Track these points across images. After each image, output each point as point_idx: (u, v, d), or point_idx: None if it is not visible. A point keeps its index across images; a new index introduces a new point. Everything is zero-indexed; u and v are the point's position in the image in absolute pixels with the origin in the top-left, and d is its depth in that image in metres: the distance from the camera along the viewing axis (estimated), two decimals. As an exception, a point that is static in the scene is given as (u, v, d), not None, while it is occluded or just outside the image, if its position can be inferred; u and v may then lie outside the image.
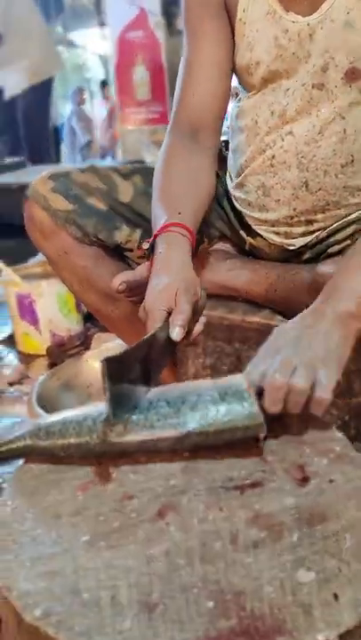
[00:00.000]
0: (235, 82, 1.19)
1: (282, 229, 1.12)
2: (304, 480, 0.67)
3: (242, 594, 0.53)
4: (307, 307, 1.05)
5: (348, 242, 1.05)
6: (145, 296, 0.86)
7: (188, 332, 0.84)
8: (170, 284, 0.84)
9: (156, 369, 0.83)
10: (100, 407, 0.72)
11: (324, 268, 1.00)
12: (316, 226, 1.09)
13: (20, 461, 0.75)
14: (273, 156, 1.07)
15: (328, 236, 1.09)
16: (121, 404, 0.71)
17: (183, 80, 1.11)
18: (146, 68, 5.36)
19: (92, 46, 9.76)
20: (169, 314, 0.82)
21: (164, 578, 0.56)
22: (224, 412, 0.70)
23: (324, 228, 1.08)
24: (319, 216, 1.07)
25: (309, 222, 1.09)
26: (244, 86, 1.10)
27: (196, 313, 0.86)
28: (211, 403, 0.70)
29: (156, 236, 0.93)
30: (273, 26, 1.00)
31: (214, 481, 0.67)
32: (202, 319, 0.89)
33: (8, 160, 3.79)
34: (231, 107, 1.19)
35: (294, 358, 0.74)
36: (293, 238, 1.11)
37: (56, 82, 5.85)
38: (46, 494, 0.68)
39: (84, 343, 1.91)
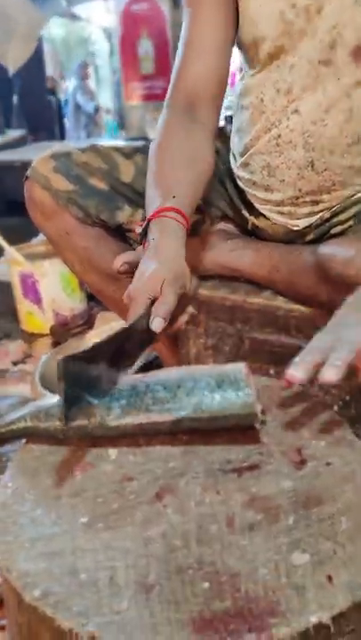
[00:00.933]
0: (239, 58, 1.18)
1: (286, 209, 1.11)
2: (301, 463, 0.67)
3: (237, 575, 0.54)
4: (308, 288, 1.05)
5: (351, 222, 1.05)
6: (133, 282, 0.84)
7: (172, 322, 0.83)
8: (157, 272, 0.82)
9: (132, 357, 0.81)
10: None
11: (327, 249, 0.99)
12: (321, 206, 1.08)
13: (22, 442, 0.75)
14: (279, 136, 1.05)
15: (331, 217, 1.08)
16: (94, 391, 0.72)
17: (182, 55, 1.08)
18: (150, 42, 5.28)
19: (97, 19, 9.61)
20: (153, 302, 0.81)
21: (160, 559, 0.56)
22: (219, 400, 0.70)
23: (329, 209, 1.08)
24: (325, 196, 1.07)
25: (315, 203, 1.08)
26: (249, 63, 1.09)
27: (182, 304, 0.85)
28: (207, 389, 0.71)
29: (149, 220, 0.91)
30: (279, 1, 0.98)
31: (212, 463, 0.68)
32: (189, 309, 0.90)
33: (10, 135, 3.75)
34: (236, 84, 1.18)
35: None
36: (298, 219, 1.11)
37: (61, 56, 5.80)
38: (47, 476, 0.68)
39: (88, 322, 1.92)
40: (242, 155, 1.15)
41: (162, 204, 0.92)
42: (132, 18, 6.57)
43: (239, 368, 0.74)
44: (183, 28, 1.09)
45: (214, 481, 0.65)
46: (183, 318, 0.88)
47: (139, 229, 0.93)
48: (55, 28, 10.45)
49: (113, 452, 0.71)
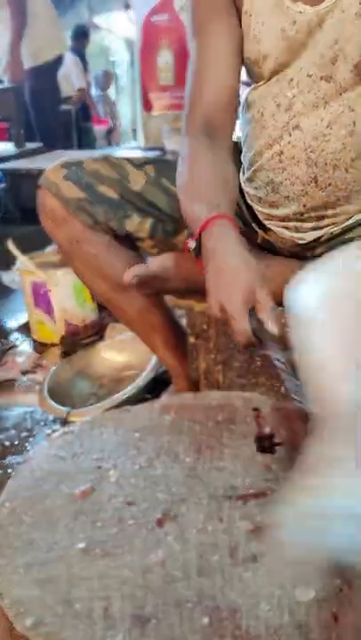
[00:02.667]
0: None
1: (291, 224, 1.09)
2: (309, 491, 0.65)
3: (238, 611, 0.52)
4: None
5: (363, 239, 1.02)
6: (214, 294, 0.82)
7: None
8: (243, 279, 0.80)
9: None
10: None
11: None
12: (327, 221, 1.06)
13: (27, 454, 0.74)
14: (281, 152, 1.04)
15: (342, 233, 1.06)
16: None
17: (194, 79, 1.08)
18: (170, 53, 5.29)
19: (118, 29, 9.68)
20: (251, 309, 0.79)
21: (158, 590, 0.54)
22: None
23: (336, 224, 1.06)
24: (330, 211, 1.04)
25: (320, 218, 1.06)
26: (254, 78, 1.07)
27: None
28: None
29: (200, 232, 0.89)
30: (280, 17, 0.96)
31: (217, 489, 0.66)
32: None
33: (26, 146, 3.77)
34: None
35: None
36: (304, 232, 1.09)
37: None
38: (46, 497, 0.67)
39: (99, 333, 1.90)
40: (248, 169, 1.14)
41: (209, 214, 0.89)
42: (152, 28, 6.60)
43: None
44: (191, 58, 1.08)
45: (218, 508, 0.63)
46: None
47: (193, 244, 0.90)
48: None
49: (114, 475, 0.69)
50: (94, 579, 0.56)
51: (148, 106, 5.38)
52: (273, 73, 1.01)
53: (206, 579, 0.55)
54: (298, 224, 1.08)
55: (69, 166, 1.15)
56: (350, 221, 1.04)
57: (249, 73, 1.07)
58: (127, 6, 7.77)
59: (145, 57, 5.73)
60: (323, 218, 1.06)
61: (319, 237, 1.08)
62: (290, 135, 1.02)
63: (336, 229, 1.06)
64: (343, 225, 1.05)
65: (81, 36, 6.40)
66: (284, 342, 0.78)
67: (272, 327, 0.77)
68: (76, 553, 0.59)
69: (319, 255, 1.11)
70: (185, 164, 1.04)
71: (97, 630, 0.51)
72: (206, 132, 1.06)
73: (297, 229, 1.09)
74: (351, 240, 1.04)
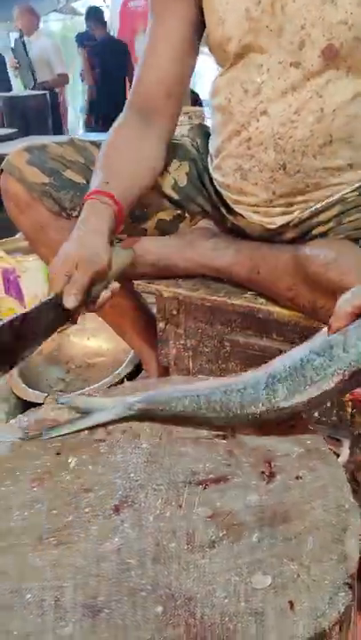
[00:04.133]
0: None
1: (261, 210, 1.07)
2: (271, 476, 0.63)
3: (192, 599, 0.50)
4: (289, 289, 1.01)
5: (333, 224, 1.01)
6: (54, 259, 0.88)
7: (94, 300, 0.88)
8: (73, 251, 0.87)
9: (39, 337, 0.83)
10: (247, 375, 0.70)
11: (307, 251, 0.95)
12: (296, 207, 1.05)
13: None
14: (249, 138, 1.02)
15: (311, 216, 1.04)
16: None
17: (143, 59, 1.09)
18: (148, 38, 5.23)
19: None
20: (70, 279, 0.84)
21: (112, 579, 0.52)
22: None
23: (306, 209, 1.04)
24: (299, 198, 1.03)
25: (289, 204, 1.04)
26: (220, 63, 1.06)
27: (101, 281, 0.89)
28: (356, 335, 0.64)
29: (83, 202, 0.96)
30: None
31: (177, 475, 0.64)
32: (113, 285, 0.91)
33: (1, 131, 3.71)
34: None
35: None
36: (273, 217, 1.07)
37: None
38: (0, 484, 0.65)
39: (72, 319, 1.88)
40: (215, 156, 1.13)
41: (97, 187, 0.96)
42: (129, 14, 6.53)
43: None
44: (146, 36, 1.07)
45: (177, 494, 0.62)
46: (106, 295, 0.90)
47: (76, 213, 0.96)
48: (53, 24, 10.39)
49: (73, 460, 0.67)
50: (47, 568, 0.54)
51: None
52: (238, 56, 0.99)
53: (162, 566, 0.53)
54: (267, 209, 1.07)
55: (33, 150, 1.12)
56: (319, 205, 1.02)
57: (216, 58, 1.06)
58: (104, -7, 7.67)
59: (122, 42, 5.68)
60: (292, 204, 1.04)
61: (288, 222, 1.07)
62: (258, 121, 1.00)
63: (305, 214, 1.04)
64: (311, 210, 1.04)
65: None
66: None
67: (67, 300, 0.82)
68: (30, 541, 0.57)
69: (289, 240, 1.10)
70: (110, 137, 1.06)
71: (47, 621, 0.49)
72: (142, 114, 1.07)
73: (266, 214, 1.08)
74: (320, 224, 1.03)
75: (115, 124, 1.09)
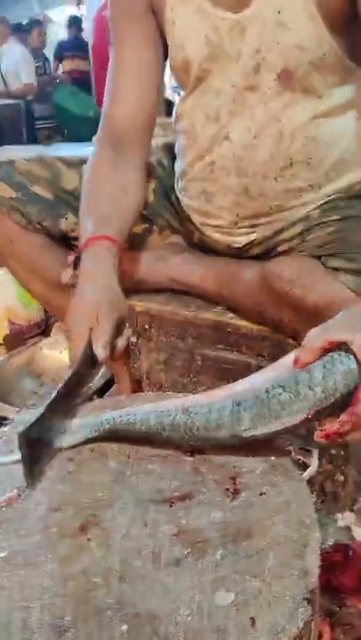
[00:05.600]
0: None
1: (225, 230, 1.10)
2: (235, 493, 0.65)
3: (157, 617, 0.51)
4: (256, 305, 1.03)
5: (297, 241, 1.03)
6: (69, 313, 0.86)
7: (112, 349, 0.85)
8: (92, 302, 0.85)
9: (78, 397, 0.82)
10: (214, 398, 0.70)
11: (273, 267, 0.97)
12: (261, 228, 1.07)
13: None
14: (212, 162, 1.04)
15: (275, 234, 1.07)
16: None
17: (109, 90, 1.09)
18: (122, 48, 5.25)
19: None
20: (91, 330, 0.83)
21: (79, 599, 0.53)
22: (341, 377, 0.64)
23: (269, 229, 1.07)
24: (262, 220, 1.05)
25: (253, 226, 1.07)
26: (181, 85, 1.08)
27: (119, 329, 0.87)
28: (322, 375, 0.64)
29: (81, 249, 0.93)
30: (203, 23, 0.96)
31: (143, 493, 0.65)
32: (126, 332, 0.90)
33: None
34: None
35: None
36: (237, 237, 1.09)
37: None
38: (-31, 505, 0.65)
39: (45, 332, 1.88)
40: (181, 179, 1.15)
41: (92, 232, 0.94)
42: (104, 23, 6.54)
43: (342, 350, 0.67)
44: (110, 66, 1.08)
45: (143, 512, 0.63)
46: (123, 343, 0.88)
47: (71, 259, 0.95)
48: (28, 31, 10.34)
49: (42, 480, 0.68)
50: (15, 589, 0.55)
51: (101, 100, 5.35)
52: (198, 80, 1.01)
53: (128, 585, 0.55)
54: (231, 230, 1.09)
55: (1, 166, 1.13)
56: (283, 224, 1.05)
57: (177, 80, 1.08)
58: (79, 1, 7.69)
59: (97, 51, 5.68)
60: (256, 226, 1.06)
61: (252, 240, 1.09)
62: (220, 146, 1.03)
63: (268, 232, 1.07)
64: (275, 229, 1.06)
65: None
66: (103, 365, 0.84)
67: (99, 351, 0.80)
68: (-2, 562, 0.58)
69: (255, 256, 1.12)
70: (89, 172, 1.06)
71: (14, 642, 0.50)
72: (116, 146, 1.07)
73: (230, 234, 1.10)
74: (284, 242, 1.06)
75: (89, 162, 1.09)
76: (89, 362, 0.82)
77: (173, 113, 1.12)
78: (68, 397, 0.79)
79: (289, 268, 0.94)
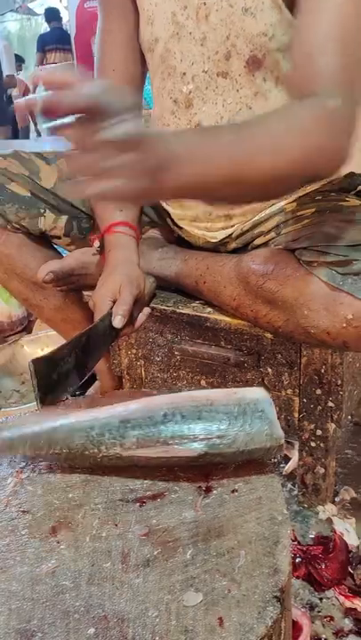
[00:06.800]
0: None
1: (202, 225, 1.09)
2: (207, 490, 0.64)
3: (125, 619, 0.51)
4: (233, 299, 1.03)
5: (273, 234, 1.02)
6: (95, 290, 0.95)
7: (132, 321, 0.95)
8: (115, 278, 0.94)
9: (96, 355, 0.92)
10: (105, 413, 0.68)
11: (248, 261, 0.97)
12: (235, 220, 1.06)
13: None
14: None
15: (252, 227, 1.06)
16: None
17: (97, 61, 1.09)
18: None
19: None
20: (114, 303, 0.92)
21: (47, 602, 0.53)
22: (244, 433, 0.64)
23: (245, 221, 1.06)
24: (237, 211, 1.04)
25: (228, 217, 1.06)
26: (149, 67, 1.07)
27: (139, 304, 0.97)
28: (229, 420, 0.64)
29: (103, 234, 1.03)
30: (173, 1, 0.96)
31: (114, 493, 0.65)
32: (146, 310, 0.99)
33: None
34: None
35: None
36: (215, 231, 1.09)
37: (17, 50, 5.71)
38: None
39: (27, 328, 1.87)
40: None
41: (112, 219, 1.02)
42: (86, 15, 6.48)
43: (260, 395, 0.68)
44: (97, 30, 1.08)
45: (114, 512, 0.62)
46: (143, 317, 0.97)
47: (97, 244, 1.05)
48: (10, 24, 10.29)
49: (12, 482, 0.67)
50: (-18, 593, 0.54)
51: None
52: (162, 60, 1.01)
53: (96, 587, 0.54)
54: (208, 224, 1.08)
55: None
56: (258, 217, 1.04)
57: (147, 61, 1.07)
58: (60, -8, 7.63)
59: (79, 43, 5.63)
60: (231, 217, 1.06)
61: (230, 234, 1.08)
62: None
63: (245, 226, 1.06)
64: (252, 221, 1.05)
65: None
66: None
67: (117, 319, 0.90)
68: (-35, 567, 0.57)
69: (233, 251, 1.11)
70: None
71: (-21, 648, 0.49)
72: None
73: (207, 229, 1.09)
74: (261, 234, 1.05)
75: None
76: (106, 329, 0.91)
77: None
78: (81, 351, 0.87)
79: (263, 261, 0.94)
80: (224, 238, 1.09)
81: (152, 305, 1.16)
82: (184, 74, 0.98)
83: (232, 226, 1.07)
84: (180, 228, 1.14)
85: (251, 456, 0.65)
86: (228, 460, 0.65)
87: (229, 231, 1.07)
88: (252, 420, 0.64)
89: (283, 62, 0.93)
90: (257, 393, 0.68)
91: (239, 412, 0.65)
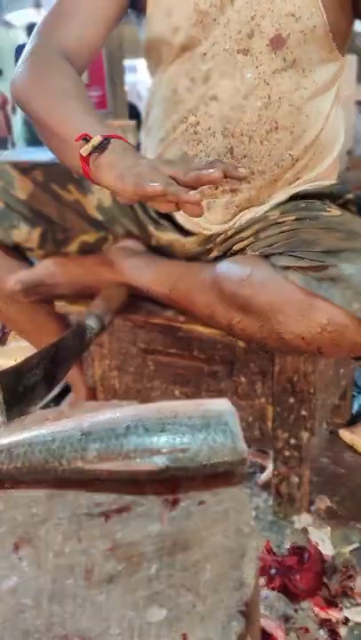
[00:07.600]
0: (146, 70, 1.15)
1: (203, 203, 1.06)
2: (174, 503, 0.63)
3: (87, 637, 0.49)
4: (207, 307, 1.02)
5: (252, 239, 1.03)
6: (126, 180, 0.77)
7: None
8: (145, 162, 0.80)
9: (65, 366, 0.92)
10: (67, 426, 0.66)
11: (223, 267, 0.97)
12: (240, 197, 1.06)
13: None
14: (197, 123, 1.04)
15: (236, 233, 1.06)
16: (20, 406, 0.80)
17: (52, 9, 1.02)
18: (82, 51, 5.21)
19: (31, 28, 9.49)
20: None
21: (6, 621, 0.51)
22: (207, 446, 0.62)
23: (246, 207, 1.07)
24: (244, 186, 1.05)
25: (233, 192, 1.06)
26: (160, 61, 1.06)
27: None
28: (192, 433, 0.63)
29: (108, 137, 0.84)
30: None
31: (79, 507, 0.63)
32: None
33: None
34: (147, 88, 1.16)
35: None
36: (211, 224, 1.08)
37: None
38: None
39: (1, 340, 1.85)
40: (154, 151, 1.12)
41: (102, 130, 0.85)
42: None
43: (225, 408, 0.66)
44: None
45: (78, 527, 0.61)
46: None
47: (97, 140, 0.83)
48: (-12, 35, 10.26)
49: (-26, 498, 0.66)
50: None
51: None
52: (183, 48, 1.01)
53: (58, 605, 0.53)
54: (210, 200, 1.06)
55: None
56: (243, 220, 1.05)
57: (154, 59, 1.06)
58: (38, 5, 7.62)
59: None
60: (236, 193, 1.06)
61: (218, 235, 1.08)
62: (206, 105, 1.03)
63: (231, 231, 1.06)
64: (236, 225, 1.06)
65: None
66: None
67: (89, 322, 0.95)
68: None
69: (213, 259, 1.11)
70: (41, 64, 0.97)
71: None
72: (60, 50, 0.99)
73: (210, 209, 1.06)
74: (242, 240, 1.05)
75: (29, 50, 0.99)
76: (76, 340, 0.92)
77: (148, 96, 1.12)
78: (48, 363, 0.87)
79: (238, 267, 0.93)
80: (208, 240, 1.09)
81: (124, 315, 1.15)
82: (205, 54, 1.00)
83: (232, 213, 1.07)
84: (165, 230, 1.14)
85: (214, 470, 0.63)
86: (191, 474, 0.64)
87: (225, 227, 1.07)
88: (215, 433, 0.63)
89: (303, 47, 0.96)
90: (221, 405, 0.67)
91: (203, 425, 0.63)
